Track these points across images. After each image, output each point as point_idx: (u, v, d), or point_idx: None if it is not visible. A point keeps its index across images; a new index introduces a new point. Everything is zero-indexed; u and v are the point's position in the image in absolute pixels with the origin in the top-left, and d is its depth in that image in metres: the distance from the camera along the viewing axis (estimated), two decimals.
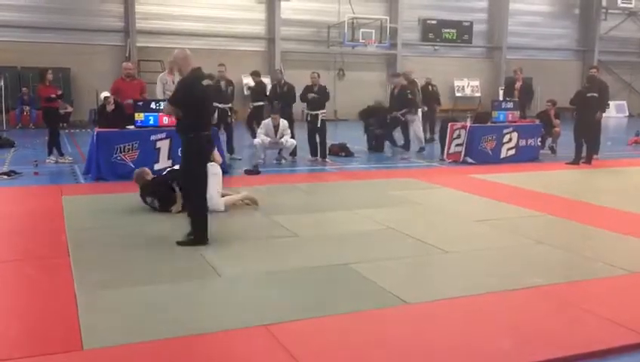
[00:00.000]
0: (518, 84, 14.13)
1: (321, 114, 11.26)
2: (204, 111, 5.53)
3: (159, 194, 6.65)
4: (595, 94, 11.17)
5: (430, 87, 15.68)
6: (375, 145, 13.18)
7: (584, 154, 11.19)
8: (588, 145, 11.24)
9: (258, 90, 13.28)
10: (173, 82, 11.42)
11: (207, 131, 5.49)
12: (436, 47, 26.05)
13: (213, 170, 6.93)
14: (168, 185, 6.64)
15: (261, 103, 12.91)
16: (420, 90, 15.87)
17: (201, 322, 3.63)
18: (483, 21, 26.84)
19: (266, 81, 22.20)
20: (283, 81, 12.06)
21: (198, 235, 5.39)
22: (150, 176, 6.91)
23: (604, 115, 11.85)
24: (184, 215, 6.50)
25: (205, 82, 5.47)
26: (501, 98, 16.31)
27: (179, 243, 5.34)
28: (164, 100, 10.05)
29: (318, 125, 11.25)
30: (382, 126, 13.03)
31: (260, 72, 13.73)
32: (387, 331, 3.57)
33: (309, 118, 11.43)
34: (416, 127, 13.01)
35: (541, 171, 10.48)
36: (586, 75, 13.59)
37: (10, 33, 19.63)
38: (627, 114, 27.86)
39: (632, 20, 29.08)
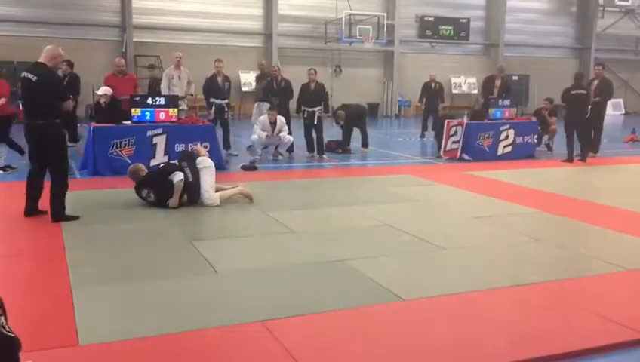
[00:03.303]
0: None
1: (317, 111, 11.26)
2: (25, 100, 5.99)
3: (155, 187, 6.63)
4: (582, 92, 11.09)
5: (434, 84, 15.71)
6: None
7: (578, 151, 11.18)
8: (581, 142, 11.24)
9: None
10: (179, 77, 11.39)
11: (29, 120, 5.89)
12: (433, 44, 26.04)
13: (205, 163, 6.93)
14: (164, 177, 6.62)
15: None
16: (422, 87, 15.94)
17: (197, 318, 3.63)
18: (480, 18, 26.81)
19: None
20: (280, 77, 12.01)
21: None
22: (144, 172, 6.90)
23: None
24: (181, 210, 6.54)
25: (23, 74, 5.89)
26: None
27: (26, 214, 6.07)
28: (165, 96, 10.03)
29: (315, 122, 11.25)
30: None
31: (72, 62, 10.47)
32: (384, 328, 3.57)
33: (305, 115, 11.42)
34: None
35: (537, 168, 10.49)
36: (582, 73, 13.46)
37: (5, 27, 19.52)
38: (623, 111, 27.91)
39: (629, 18, 29.09)
